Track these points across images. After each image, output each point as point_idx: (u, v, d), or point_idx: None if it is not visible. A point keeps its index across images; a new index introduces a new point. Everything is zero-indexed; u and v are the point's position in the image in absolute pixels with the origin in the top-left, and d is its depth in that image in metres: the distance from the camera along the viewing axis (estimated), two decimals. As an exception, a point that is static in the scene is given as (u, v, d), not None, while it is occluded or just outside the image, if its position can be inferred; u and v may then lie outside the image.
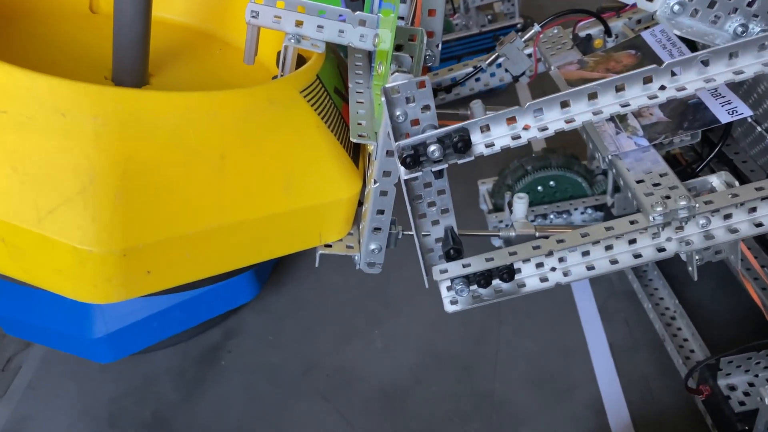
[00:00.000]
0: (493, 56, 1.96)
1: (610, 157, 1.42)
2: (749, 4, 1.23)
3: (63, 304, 2.19)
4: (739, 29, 1.25)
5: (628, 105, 1.18)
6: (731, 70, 1.15)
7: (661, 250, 1.31)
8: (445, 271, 1.31)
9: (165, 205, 1.17)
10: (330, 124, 1.39)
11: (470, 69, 1.99)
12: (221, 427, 2.16)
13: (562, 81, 1.71)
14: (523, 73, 1.96)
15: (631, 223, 1.29)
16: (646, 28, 1.73)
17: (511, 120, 1.20)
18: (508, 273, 1.31)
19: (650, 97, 1.17)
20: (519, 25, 3.61)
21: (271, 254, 1.38)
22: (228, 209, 1.25)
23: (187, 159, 1.19)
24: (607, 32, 1.87)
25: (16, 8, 1.73)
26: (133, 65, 1.53)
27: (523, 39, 1.90)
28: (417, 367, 2.29)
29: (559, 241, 1.30)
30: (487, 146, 1.19)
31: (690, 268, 1.39)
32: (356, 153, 1.47)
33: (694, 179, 1.35)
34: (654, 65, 1.15)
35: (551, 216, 2.55)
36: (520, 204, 1.54)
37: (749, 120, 1.70)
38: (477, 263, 1.30)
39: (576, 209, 2.55)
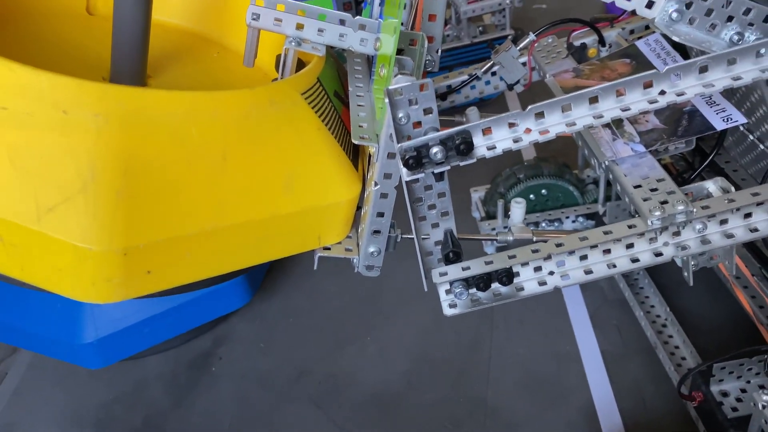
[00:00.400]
0: (489, 64, 1.98)
1: (607, 162, 1.44)
2: (745, 13, 1.25)
3: (52, 309, 2.17)
4: (735, 37, 1.27)
5: (629, 109, 1.19)
6: (730, 75, 1.17)
7: (658, 254, 1.32)
8: (445, 273, 1.31)
9: (166, 205, 1.17)
10: (330, 127, 1.40)
11: (465, 77, 2.01)
12: (212, 434, 2.14)
13: (557, 88, 1.73)
14: (518, 82, 1.98)
15: (630, 227, 1.30)
16: (640, 37, 1.76)
17: (513, 123, 1.21)
18: (507, 276, 1.31)
19: (650, 102, 1.18)
20: (510, 37, 3.65)
21: (270, 256, 1.37)
22: (229, 210, 1.24)
23: (190, 158, 1.19)
24: (601, 42, 1.89)
25: (12, 9, 1.72)
26: (131, 66, 1.53)
27: (518, 47, 1.93)
28: (410, 373, 2.29)
29: (558, 245, 1.31)
30: (489, 149, 1.20)
31: (686, 274, 1.41)
32: (355, 155, 1.47)
33: (691, 185, 1.37)
34: (655, 70, 1.17)
35: (543, 224, 2.56)
36: (518, 208, 1.55)
37: (741, 128, 1.73)
38: (476, 266, 1.30)
39: (567, 217, 2.57)
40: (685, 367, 2.02)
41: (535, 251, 1.31)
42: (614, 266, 1.33)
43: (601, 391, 2.14)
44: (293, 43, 1.47)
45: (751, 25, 1.27)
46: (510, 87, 1.99)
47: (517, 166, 2.59)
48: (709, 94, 1.29)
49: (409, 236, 1.40)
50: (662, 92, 1.19)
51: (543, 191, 2.56)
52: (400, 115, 1.17)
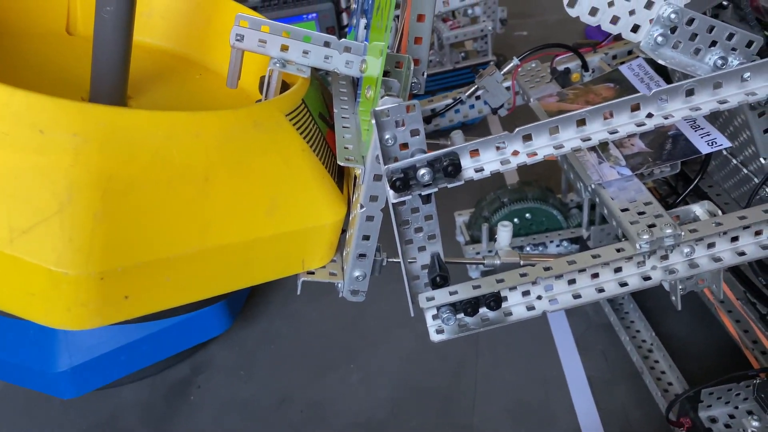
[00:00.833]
0: (473, 88, 1.99)
1: (593, 186, 1.43)
2: (728, 38, 1.26)
3: (23, 336, 2.09)
4: (719, 62, 1.28)
5: (616, 132, 1.19)
6: (716, 99, 1.18)
7: (646, 278, 1.31)
8: (432, 298, 1.28)
9: (146, 227, 1.13)
10: (315, 149, 1.38)
11: (450, 100, 2.01)
12: (190, 466, 2.07)
13: (542, 112, 1.73)
14: (502, 106, 1.99)
15: (618, 250, 1.29)
16: (623, 62, 1.77)
17: (500, 146, 1.20)
18: (495, 301, 1.29)
19: (638, 125, 1.18)
20: (492, 63, 3.68)
21: (253, 280, 1.33)
22: (210, 233, 1.21)
23: (170, 180, 1.15)
24: (584, 66, 1.91)
25: (-11, 28, 1.68)
26: (111, 86, 1.49)
27: (502, 72, 1.93)
28: (394, 401, 2.24)
29: (546, 269, 1.29)
30: (476, 171, 1.18)
31: (673, 298, 1.40)
32: (340, 177, 1.45)
33: (677, 208, 1.36)
34: (642, 93, 1.17)
35: (527, 248, 2.55)
36: (505, 232, 1.53)
37: (724, 153, 1.74)
38: (464, 291, 1.28)
39: (552, 242, 2.56)
40: (672, 392, 2.00)
41: (523, 275, 1.29)
42: (602, 290, 1.31)
43: (588, 418, 2.11)
44: (278, 65, 1.45)
45: (734, 50, 1.28)
46: (494, 111, 1.99)
47: (501, 190, 2.59)
48: (695, 118, 1.29)
49: (395, 260, 1.38)
50: (649, 115, 1.19)
51: (527, 215, 2.56)
52: (387, 136, 1.15)
